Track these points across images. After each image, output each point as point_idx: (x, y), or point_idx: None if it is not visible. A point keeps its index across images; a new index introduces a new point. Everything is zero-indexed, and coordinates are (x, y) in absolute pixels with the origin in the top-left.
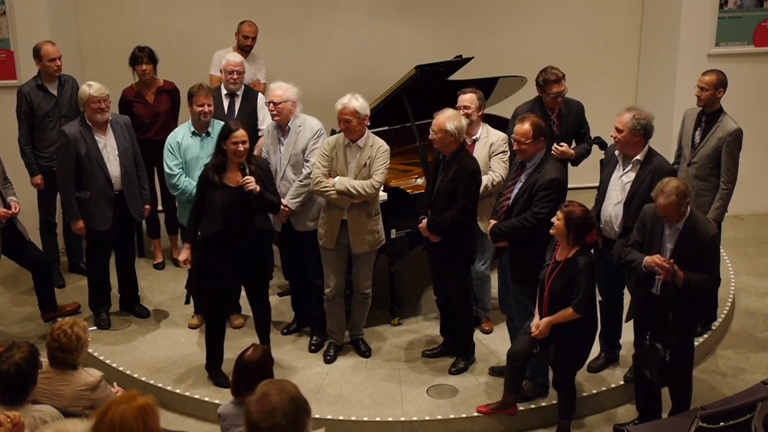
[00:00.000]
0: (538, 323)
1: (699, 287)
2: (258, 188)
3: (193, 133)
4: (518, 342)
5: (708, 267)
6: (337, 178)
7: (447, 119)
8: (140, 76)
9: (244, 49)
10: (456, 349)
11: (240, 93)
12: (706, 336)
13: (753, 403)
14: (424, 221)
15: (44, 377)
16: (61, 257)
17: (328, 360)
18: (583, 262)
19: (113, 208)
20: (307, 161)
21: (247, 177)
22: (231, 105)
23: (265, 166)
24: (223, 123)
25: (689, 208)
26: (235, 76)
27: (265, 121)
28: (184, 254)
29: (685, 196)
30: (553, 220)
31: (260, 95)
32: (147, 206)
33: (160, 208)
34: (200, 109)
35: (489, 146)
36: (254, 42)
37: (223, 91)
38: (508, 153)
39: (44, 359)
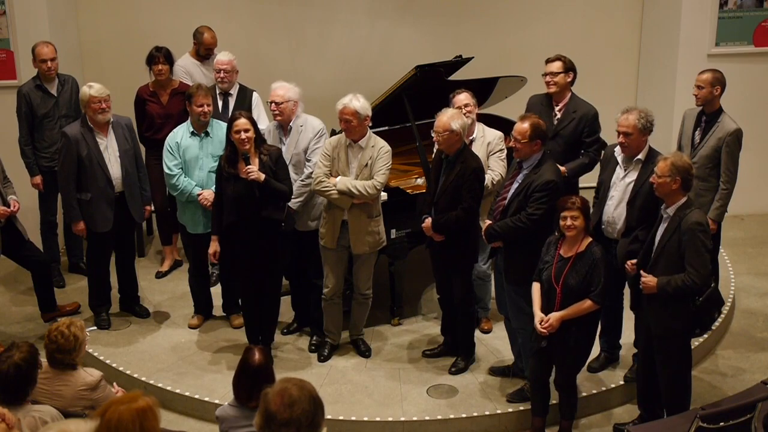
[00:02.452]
0: (546, 318)
1: (678, 288)
2: (261, 177)
3: (192, 134)
4: (533, 363)
5: (689, 262)
6: (338, 178)
7: (450, 119)
8: (156, 76)
9: (204, 56)
10: (456, 349)
11: (234, 92)
12: (706, 336)
13: (753, 403)
14: (428, 221)
15: (44, 377)
16: (61, 257)
17: (323, 359)
18: (599, 252)
19: (114, 210)
20: (308, 161)
21: (248, 166)
22: (225, 104)
23: (276, 154)
24: (220, 122)
25: (687, 198)
26: (222, 75)
27: (260, 119)
28: (213, 247)
29: (678, 171)
30: (570, 223)
31: (255, 94)
32: (147, 207)
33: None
34: (200, 109)
35: (486, 145)
36: (215, 49)
37: (218, 91)
38: (506, 151)
39: (44, 359)
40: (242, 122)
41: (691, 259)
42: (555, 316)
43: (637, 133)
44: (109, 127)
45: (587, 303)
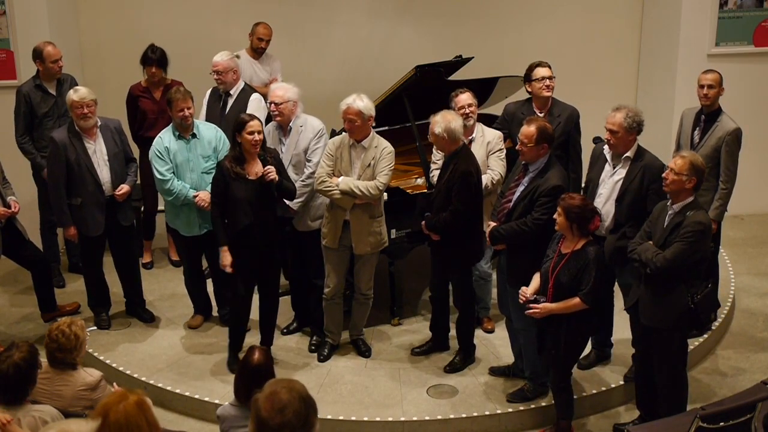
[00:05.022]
0: (537, 306)
1: (641, 259)
2: (277, 177)
3: (179, 137)
4: (552, 372)
5: (669, 245)
6: (341, 178)
7: (435, 123)
8: (149, 76)
9: (257, 51)
10: (443, 345)
11: (235, 93)
12: (706, 336)
13: (753, 403)
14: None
15: (44, 377)
16: (61, 257)
17: (322, 359)
18: (593, 253)
19: (105, 213)
20: (309, 161)
21: (268, 167)
22: (224, 104)
23: (276, 154)
24: (205, 123)
25: (694, 198)
26: (216, 76)
27: None
28: (226, 258)
29: (696, 171)
30: (555, 216)
31: (254, 96)
32: (126, 187)
33: (161, 208)
34: (180, 113)
35: (486, 145)
36: (268, 45)
37: (220, 90)
38: (505, 150)
39: (44, 359)
40: (256, 123)
41: (676, 244)
42: (545, 307)
43: (623, 131)
44: (96, 130)
45: (576, 300)
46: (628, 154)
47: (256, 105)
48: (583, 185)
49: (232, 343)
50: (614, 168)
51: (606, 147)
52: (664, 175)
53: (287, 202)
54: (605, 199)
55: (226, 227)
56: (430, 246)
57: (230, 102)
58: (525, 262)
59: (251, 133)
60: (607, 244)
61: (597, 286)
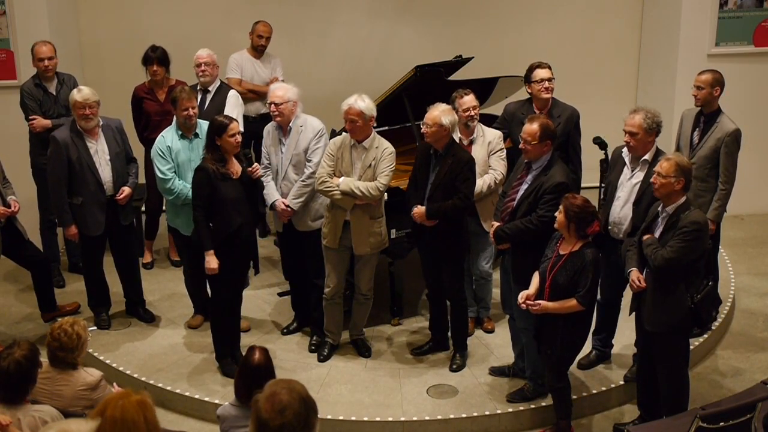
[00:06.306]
0: (535, 302)
1: (649, 255)
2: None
3: (182, 136)
4: (549, 372)
5: (671, 243)
6: (342, 179)
7: (442, 113)
8: (151, 76)
9: (258, 49)
10: (443, 344)
11: (213, 89)
12: (706, 336)
13: (753, 403)
14: (420, 208)
15: (44, 377)
16: (61, 257)
17: (322, 359)
18: (590, 255)
19: (105, 213)
20: (309, 161)
21: (255, 164)
22: (203, 100)
23: (245, 151)
24: (204, 121)
25: (686, 198)
26: (203, 68)
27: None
28: (213, 262)
29: (683, 172)
30: (556, 214)
31: (232, 92)
32: (126, 189)
33: (164, 208)
34: (185, 113)
35: (487, 145)
36: (268, 42)
37: (198, 87)
38: (505, 150)
39: (44, 359)
40: (236, 125)
41: (674, 243)
42: (543, 304)
43: (643, 133)
44: (98, 130)
45: (572, 302)
46: (646, 157)
47: (234, 101)
48: (602, 187)
49: (222, 350)
50: (632, 171)
51: (625, 150)
52: (651, 180)
53: (292, 205)
54: (623, 202)
55: (211, 230)
56: (419, 245)
57: (208, 98)
58: (529, 260)
59: (233, 135)
60: (624, 247)
61: (593, 288)
